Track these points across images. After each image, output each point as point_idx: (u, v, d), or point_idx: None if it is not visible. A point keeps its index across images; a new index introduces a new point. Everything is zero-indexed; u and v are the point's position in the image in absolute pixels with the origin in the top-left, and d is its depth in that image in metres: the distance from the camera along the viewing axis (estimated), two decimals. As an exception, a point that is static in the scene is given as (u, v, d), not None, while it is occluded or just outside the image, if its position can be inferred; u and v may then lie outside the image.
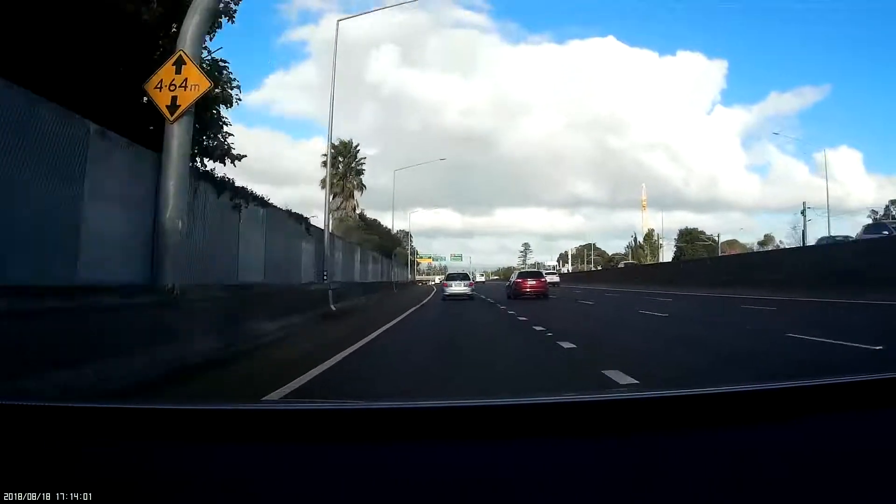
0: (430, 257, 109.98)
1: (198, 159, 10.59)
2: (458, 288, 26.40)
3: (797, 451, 1.04)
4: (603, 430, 1.08)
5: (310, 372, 6.00)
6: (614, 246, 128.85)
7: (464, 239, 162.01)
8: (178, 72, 7.39)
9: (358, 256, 31.21)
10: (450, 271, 49.96)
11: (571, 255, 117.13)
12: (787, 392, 1.21)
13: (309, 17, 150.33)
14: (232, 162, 11.21)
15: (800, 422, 1.13)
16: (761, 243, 76.82)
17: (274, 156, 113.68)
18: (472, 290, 27.92)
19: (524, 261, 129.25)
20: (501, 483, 0.97)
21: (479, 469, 0.99)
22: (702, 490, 0.96)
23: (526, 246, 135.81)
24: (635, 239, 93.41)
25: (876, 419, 1.12)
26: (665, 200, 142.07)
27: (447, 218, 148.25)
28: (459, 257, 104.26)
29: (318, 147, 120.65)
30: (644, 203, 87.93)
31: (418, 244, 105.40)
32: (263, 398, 4.42)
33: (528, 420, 1.11)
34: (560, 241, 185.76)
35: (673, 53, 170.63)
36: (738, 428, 1.10)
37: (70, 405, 1.27)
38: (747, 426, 1.10)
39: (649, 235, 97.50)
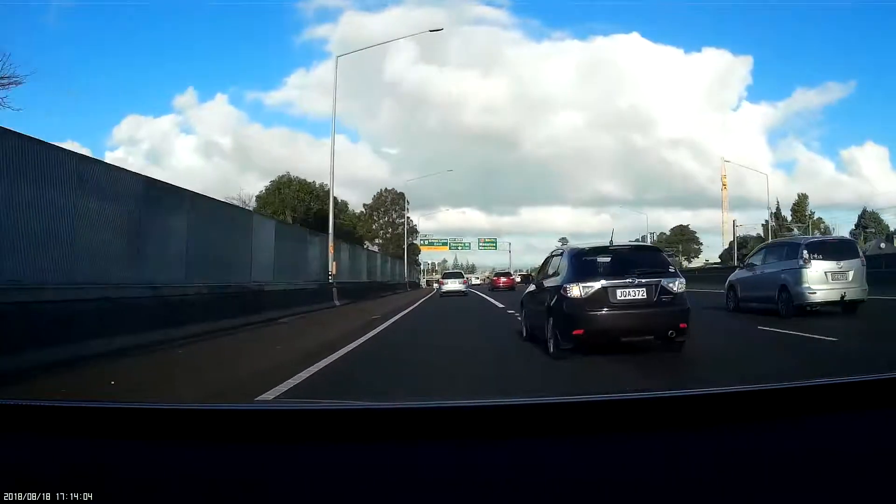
0: (445, 244, 79.58)
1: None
2: (453, 286, 35.42)
3: (798, 451, 1.07)
4: (601, 430, 1.12)
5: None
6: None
7: (492, 238, 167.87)
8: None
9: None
10: (446, 271, 53.47)
11: (653, 242, 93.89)
12: (787, 392, 1.25)
13: (327, 16, 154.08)
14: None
15: (799, 422, 1.15)
16: None
17: (295, 155, 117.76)
18: (467, 288, 38.17)
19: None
20: (499, 483, 1.00)
21: (477, 469, 1.03)
22: (701, 490, 0.99)
23: (563, 241, 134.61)
24: (777, 212, 68.40)
25: (877, 420, 1.15)
26: (690, 199, 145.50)
27: (474, 217, 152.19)
28: (493, 244, 79.34)
29: (341, 145, 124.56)
30: (724, 181, 71.79)
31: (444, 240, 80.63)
32: (274, 398, 4.45)
33: (525, 420, 1.14)
34: (589, 241, 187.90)
35: (699, 50, 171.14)
36: (737, 428, 1.13)
37: (70, 405, 1.32)
38: (746, 426, 1.14)
39: (801, 205, 72.69)
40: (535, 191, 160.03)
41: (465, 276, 45.29)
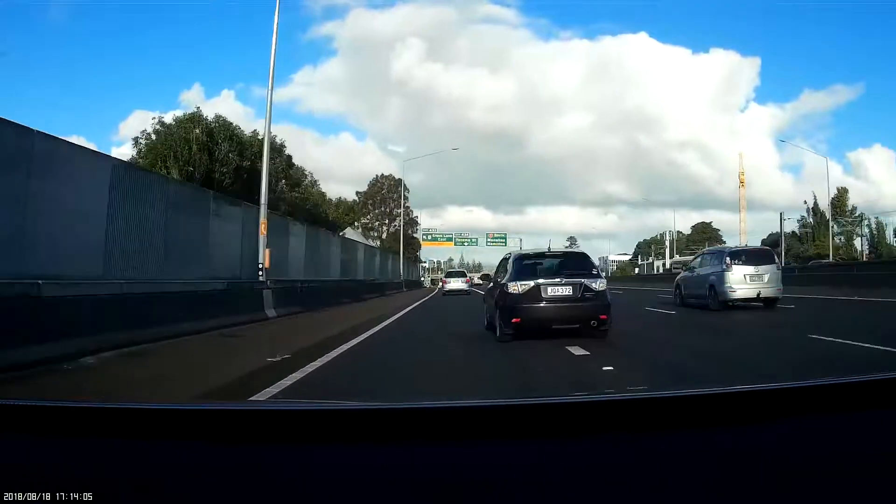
0: (449, 239, 73.41)
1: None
2: (456, 284, 37.15)
3: (798, 451, 1.08)
4: (602, 430, 1.12)
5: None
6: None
7: (501, 234, 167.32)
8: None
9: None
10: (449, 270, 53.30)
11: (672, 240, 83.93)
12: (787, 393, 1.26)
13: (335, 13, 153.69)
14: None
15: (799, 422, 1.16)
16: None
17: (301, 151, 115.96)
18: (470, 287, 38.40)
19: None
20: (498, 484, 1.01)
21: (474, 470, 1.03)
22: (701, 490, 1.00)
23: (571, 240, 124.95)
24: (815, 208, 61.65)
25: (877, 420, 1.16)
26: (698, 200, 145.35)
27: (480, 216, 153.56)
28: (503, 240, 71.46)
29: (347, 143, 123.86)
30: (742, 178, 66.98)
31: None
32: (269, 398, 4.58)
33: (525, 421, 1.15)
34: (593, 241, 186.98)
35: (706, 51, 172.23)
36: (737, 428, 1.14)
37: (70, 405, 1.33)
38: (747, 426, 1.14)
39: (841, 199, 63.29)
40: (542, 190, 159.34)
41: (469, 275, 46.09)
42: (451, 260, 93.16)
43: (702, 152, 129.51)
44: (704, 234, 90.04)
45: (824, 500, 0.99)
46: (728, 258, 15.91)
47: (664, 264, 77.02)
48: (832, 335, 9.22)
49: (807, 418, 1.17)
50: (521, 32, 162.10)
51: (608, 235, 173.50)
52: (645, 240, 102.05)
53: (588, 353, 8.13)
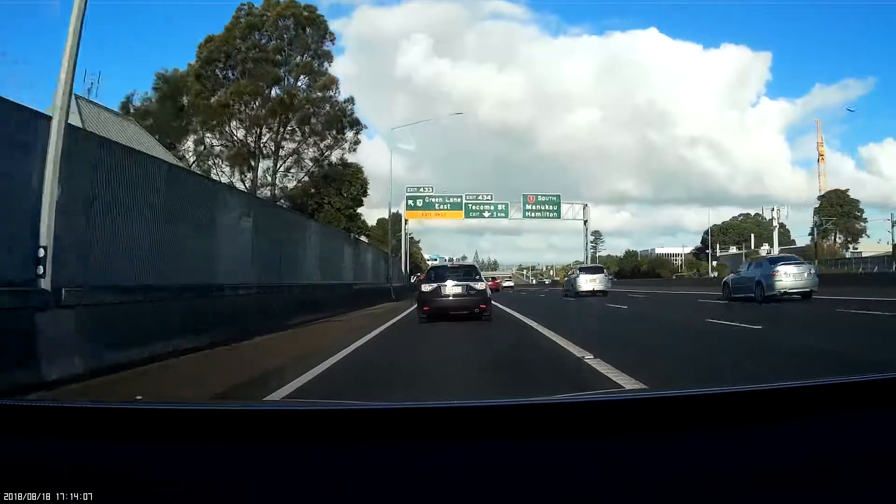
0: (456, 208, 49.16)
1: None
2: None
3: (798, 451, 1.10)
4: (601, 430, 1.15)
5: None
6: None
7: (511, 236, 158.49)
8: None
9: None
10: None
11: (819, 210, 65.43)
12: (787, 393, 1.28)
13: (341, 10, 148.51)
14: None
15: (800, 422, 1.18)
16: None
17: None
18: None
19: (595, 253, 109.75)
20: (502, 483, 1.03)
21: (480, 469, 1.05)
22: (703, 491, 1.02)
23: (597, 234, 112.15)
24: None
25: (877, 420, 1.18)
26: (710, 196, 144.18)
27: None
28: (554, 205, 52.09)
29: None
30: (821, 150, 57.83)
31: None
32: (265, 398, 4.82)
33: (527, 421, 1.18)
34: (607, 239, 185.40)
35: (717, 46, 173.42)
36: (737, 428, 1.16)
37: (70, 405, 1.35)
38: (746, 426, 1.16)
39: None
40: (553, 188, 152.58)
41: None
42: (464, 258, 74.71)
43: (713, 148, 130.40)
44: (841, 207, 68.71)
45: (825, 500, 1.01)
46: (578, 271, 32.61)
47: (768, 252, 56.30)
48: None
49: (807, 418, 1.19)
50: (529, 29, 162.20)
51: (621, 233, 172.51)
52: (716, 224, 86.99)
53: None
